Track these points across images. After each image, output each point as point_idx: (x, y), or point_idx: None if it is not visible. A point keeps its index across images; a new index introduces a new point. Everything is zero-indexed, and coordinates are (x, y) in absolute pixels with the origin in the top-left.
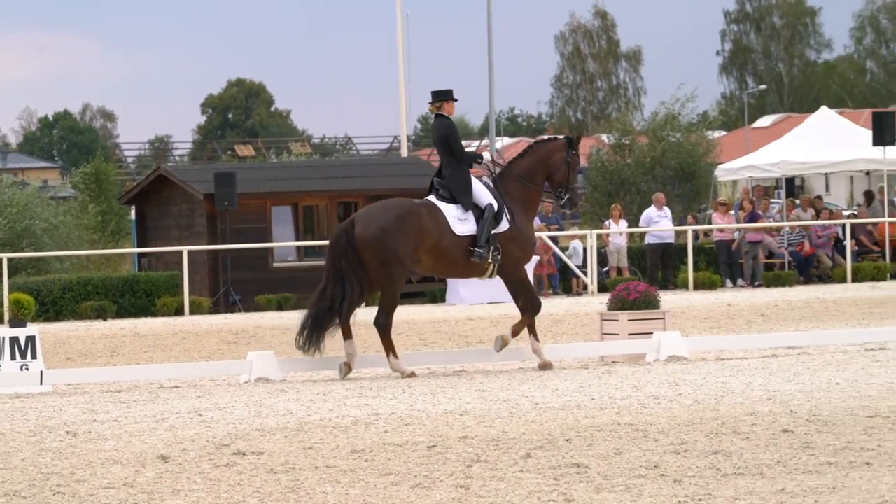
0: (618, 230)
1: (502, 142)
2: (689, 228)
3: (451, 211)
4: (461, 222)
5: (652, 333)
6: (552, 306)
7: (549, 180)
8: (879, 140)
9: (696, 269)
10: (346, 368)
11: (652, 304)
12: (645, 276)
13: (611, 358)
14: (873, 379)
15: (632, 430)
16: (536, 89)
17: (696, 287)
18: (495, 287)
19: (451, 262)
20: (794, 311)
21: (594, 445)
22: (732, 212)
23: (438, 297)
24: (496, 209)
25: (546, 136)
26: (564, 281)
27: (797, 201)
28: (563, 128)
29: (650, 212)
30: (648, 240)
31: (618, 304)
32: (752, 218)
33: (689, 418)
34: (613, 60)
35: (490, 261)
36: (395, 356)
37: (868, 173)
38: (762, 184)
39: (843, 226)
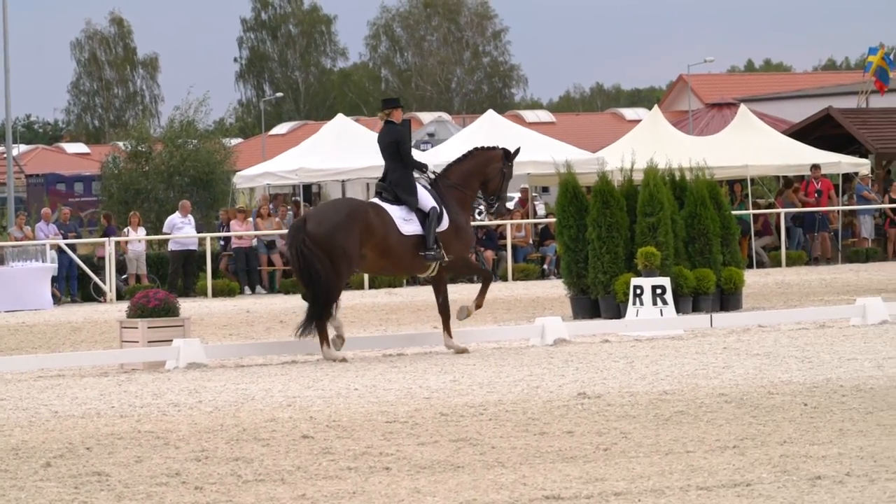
0: (137, 237)
1: (18, 149)
2: (209, 236)
3: (395, 212)
4: (406, 223)
5: (171, 341)
6: (70, 314)
7: (483, 187)
8: None
9: (215, 276)
10: (339, 341)
11: (172, 311)
12: (164, 284)
13: (131, 366)
14: (391, 384)
15: (152, 437)
16: (53, 96)
17: (216, 294)
18: None
19: (396, 260)
20: None
21: (115, 453)
22: (251, 219)
23: None
24: (438, 211)
25: (485, 146)
26: (83, 288)
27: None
28: (81, 135)
29: (174, 218)
30: (171, 246)
31: (137, 312)
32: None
33: (210, 425)
34: (130, 67)
35: (441, 260)
36: (328, 345)
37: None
38: (280, 191)
39: None
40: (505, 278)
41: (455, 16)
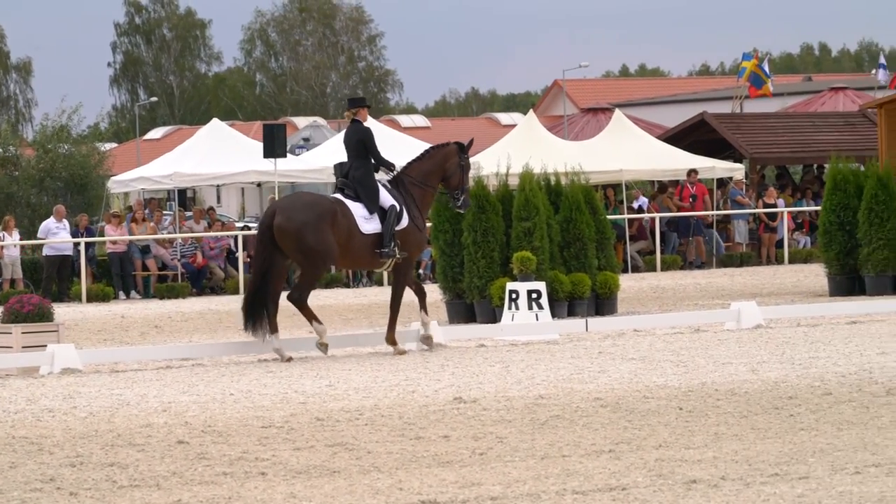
0: (12, 242)
1: None
2: (83, 241)
3: (357, 210)
4: (367, 221)
5: (46, 346)
6: None
7: (444, 183)
8: (270, 152)
9: (91, 280)
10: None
11: (46, 316)
12: (38, 289)
13: (5, 371)
14: (267, 389)
15: (27, 443)
16: None
17: (90, 299)
18: None
19: (357, 258)
20: (187, 322)
21: None
22: (125, 224)
23: None
24: (398, 209)
25: (440, 143)
26: None
27: (189, 213)
28: None
29: (49, 223)
30: (46, 251)
31: (11, 317)
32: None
33: (85, 431)
34: (3, 72)
35: (396, 258)
36: (318, 322)
37: (259, 185)
38: (155, 196)
39: (236, 237)
40: (381, 283)
41: (330, 20)
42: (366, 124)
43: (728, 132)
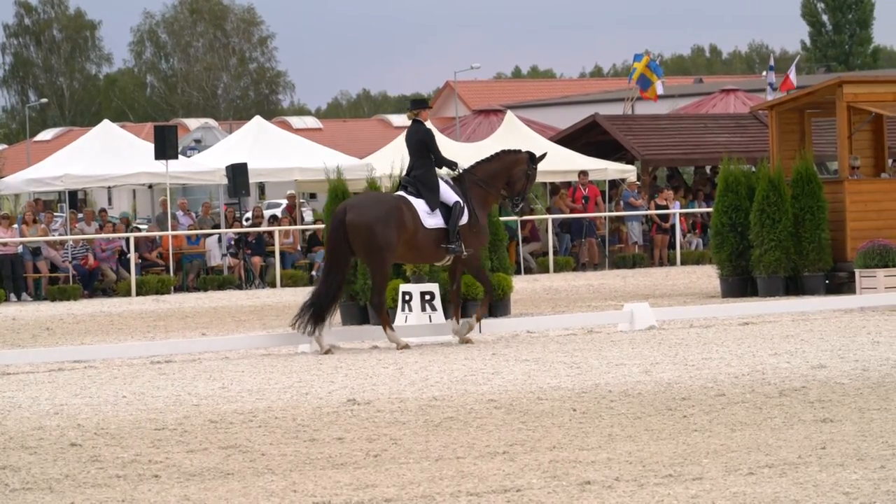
0: None
1: None
2: None
3: (420, 206)
4: (430, 216)
5: None
6: None
7: (508, 187)
8: (162, 154)
9: None
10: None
11: None
12: None
13: None
14: (160, 391)
15: None
16: None
17: None
18: None
19: (422, 252)
20: (79, 324)
21: None
22: (16, 225)
23: None
24: (461, 205)
25: (512, 149)
26: None
27: (80, 214)
28: None
29: None
30: None
31: None
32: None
33: None
34: None
35: (460, 253)
36: (392, 329)
37: (151, 186)
38: (44, 197)
39: (127, 239)
40: (273, 285)
41: (221, 21)
42: (427, 124)
43: (620, 134)
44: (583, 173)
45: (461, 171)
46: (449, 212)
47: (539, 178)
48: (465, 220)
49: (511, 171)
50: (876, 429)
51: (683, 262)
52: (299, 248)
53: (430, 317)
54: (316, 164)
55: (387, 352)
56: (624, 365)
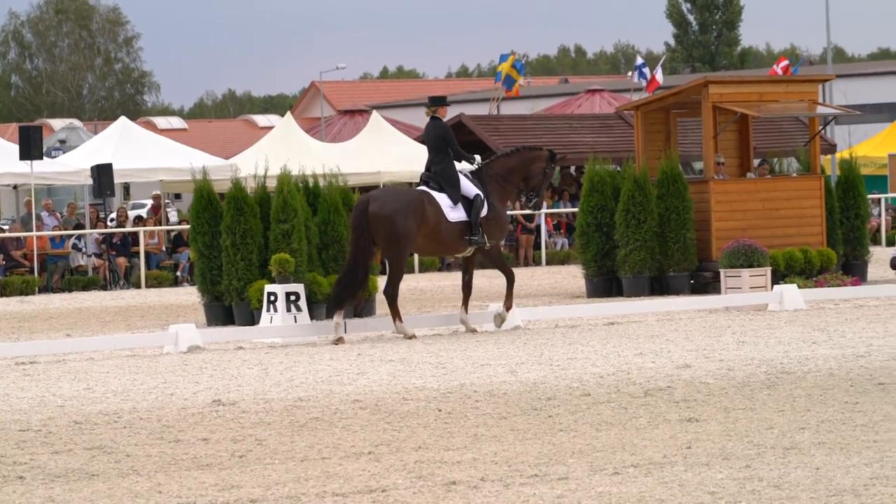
0: None
1: None
2: None
3: (443, 200)
4: (452, 210)
5: None
6: None
7: (525, 183)
8: (27, 154)
9: None
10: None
11: None
12: None
13: None
14: (24, 392)
15: None
16: None
17: None
18: None
19: (443, 244)
20: None
21: None
22: None
23: None
24: (482, 198)
25: (532, 146)
26: None
27: None
28: None
29: None
30: None
31: None
32: None
33: None
34: None
35: (483, 245)
36: (401, 320)
37: (16, 187)
38: None
39: None
40: (138, 285)
41: (86, 22)
42: (444, 120)
43: (485, 134)
44: None
45: (479, 165)
46: (470, 205)
47: (405, 180)
48: (484, 211)
49: (529, 167)
50: (741, 428)
51: (549, 263)
52: (164, 248)
53: (295, 317)
54: (181, 165)
55: (252, 352)
56: (489, 365)
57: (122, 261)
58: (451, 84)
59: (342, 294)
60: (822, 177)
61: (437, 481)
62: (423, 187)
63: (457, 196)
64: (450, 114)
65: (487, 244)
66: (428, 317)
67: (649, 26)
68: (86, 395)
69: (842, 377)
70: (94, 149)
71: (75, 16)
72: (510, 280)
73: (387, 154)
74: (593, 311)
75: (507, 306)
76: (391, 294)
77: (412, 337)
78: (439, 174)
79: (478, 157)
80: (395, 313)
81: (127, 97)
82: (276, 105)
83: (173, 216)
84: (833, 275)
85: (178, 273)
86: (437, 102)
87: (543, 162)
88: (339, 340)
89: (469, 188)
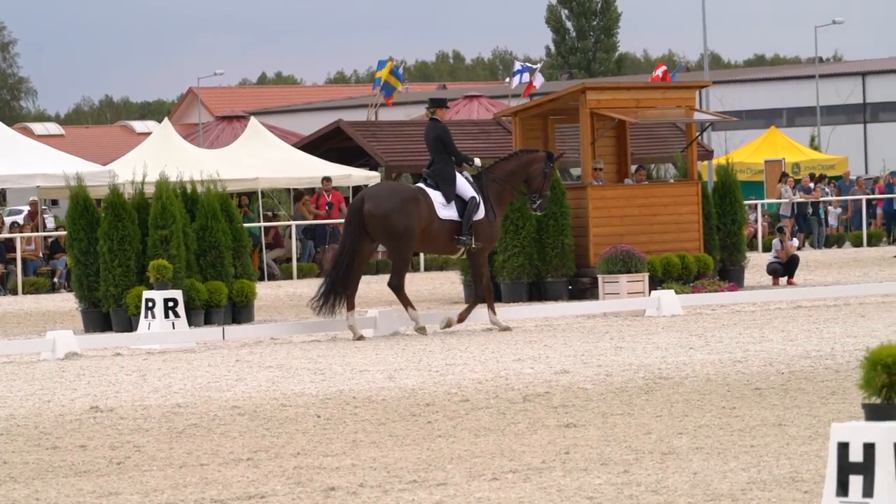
0: None
1: None
2: None
3: (437, 197)
4: (445, 208)
5: None
6: None
7: (526, 185)
8: None
9: None
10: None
11: None
12: None
13: None
14: None
15: None
16: None
17: None
18: None
19: (436, 242)
20: None
21: None
22: None
23: None
24: (477, 201)
25: (530, 148)
26: None
27: None
28: None
29: None
30: None
31: None
32: None
33: None
34: None
35: (470, 246)
36: (413, 308)
37: None
38: None
39: None
40: (15, 292)
41: None
42: (442, 122)
43: (363, 140)
44: (326, 179)
45: (480, 169)
46: (464, 206)
47: (282, 185)
48: (480, 215)
49: (528, 169)
50: (619, 433)
51: (427, 269)
52: (41, 254)
53: (173, 323)
54: (58, 171)
55: (130, 358)
56: (368, 371)
57: None
58: (330, 90)
59: (329, 290)
60: (699, 183)
61: (316, 487)
62: (420, 184)
63: (451, 194)
64: (328, 119)
65: (474, 246)
66: (305, 323)
67: (528, 33)
68: None
69: (719, 382)
70: None
71: None
72: (479, 294)
73: (265, 160)
74: (471, 316)
75: (461, 318)
76: (395, 285)
77: (422, 329)
78: (436, 173)
79: (477, 161)
80: (406, 302)
81: (3, 103)
82: (154, 111)
83: (50, 222)
84: (710, 280)
85: (56, 279)
86: (437, 104)
87: (541, 163)
88: (360, 338)
89: (467, 190)
